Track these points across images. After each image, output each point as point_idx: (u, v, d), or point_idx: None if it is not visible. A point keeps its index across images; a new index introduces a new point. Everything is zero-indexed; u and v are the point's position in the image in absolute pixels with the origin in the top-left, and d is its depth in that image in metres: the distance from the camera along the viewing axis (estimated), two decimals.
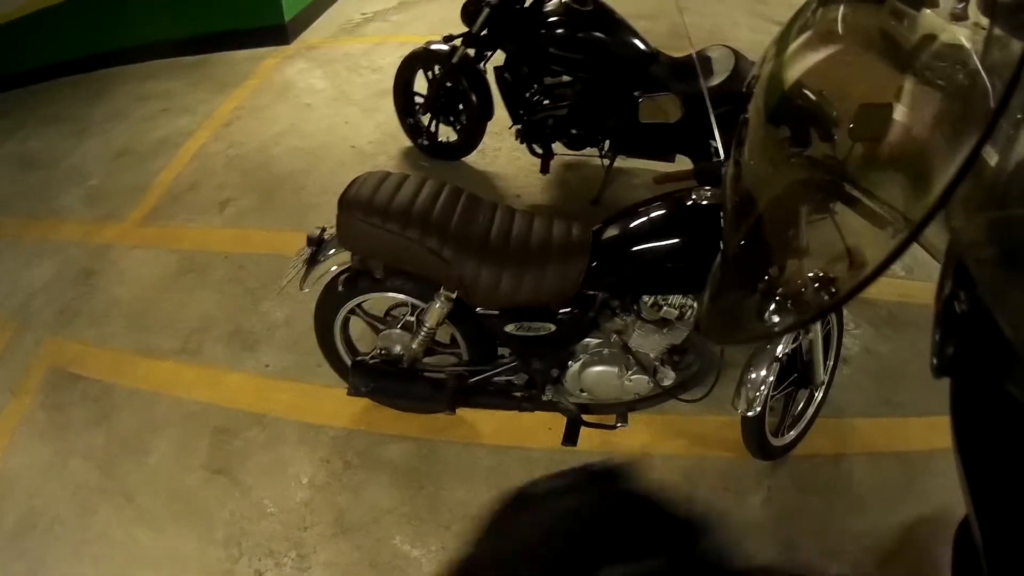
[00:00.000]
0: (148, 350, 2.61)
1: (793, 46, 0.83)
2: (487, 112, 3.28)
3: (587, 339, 2.11)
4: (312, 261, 2.06)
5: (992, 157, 0.55)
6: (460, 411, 2.44)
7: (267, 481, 2.25)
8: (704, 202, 1.91)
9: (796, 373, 2.29)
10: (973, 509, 0.56)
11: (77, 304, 2.81)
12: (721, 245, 1.17)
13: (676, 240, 1.91)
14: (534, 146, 3.17)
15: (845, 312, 2.65)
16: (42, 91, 4.19)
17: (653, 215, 1.96)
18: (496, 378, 2.24)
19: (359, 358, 2.26)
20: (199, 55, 4.42)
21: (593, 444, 2.40)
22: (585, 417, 2.24)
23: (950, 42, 0.62)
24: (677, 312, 2.00)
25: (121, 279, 2.88)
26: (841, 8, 0.80)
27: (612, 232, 1.98)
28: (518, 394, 2.25)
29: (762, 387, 1.96)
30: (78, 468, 2.24)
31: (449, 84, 3.22)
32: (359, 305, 2.22)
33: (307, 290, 2.09)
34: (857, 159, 0.70)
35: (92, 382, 2.51)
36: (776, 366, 1.98)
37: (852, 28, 0.76)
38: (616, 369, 2.09)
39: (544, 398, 2.21)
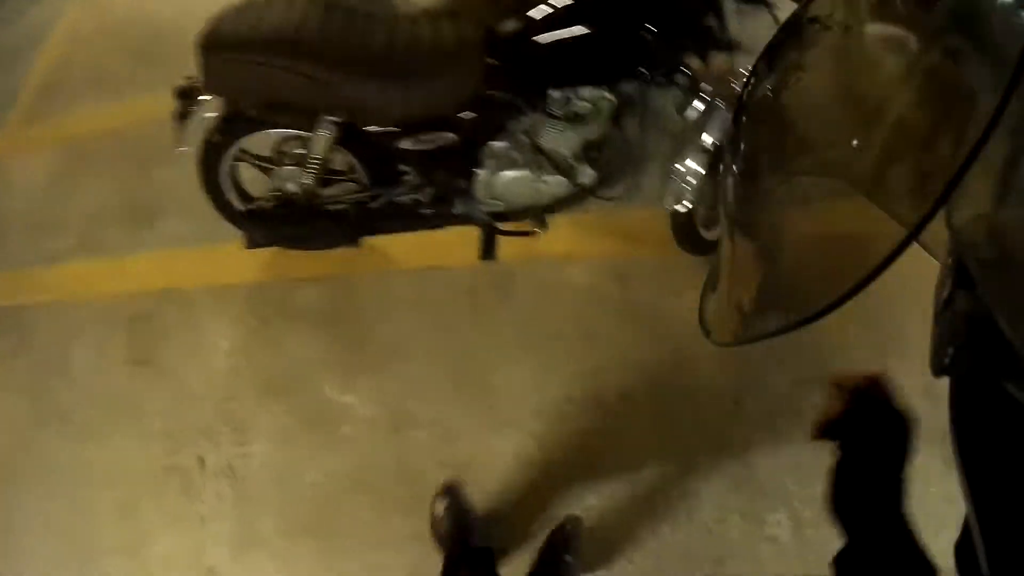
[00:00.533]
0: (49, 257, 2.21)
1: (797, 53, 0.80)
2: None
3: (494, 143, 1.76)
4: (183, 115, 1.68)
5: (992, 156, 0.46)
6: (370, 239, 2.14)
7: (189, 359, 1.92)
8: None
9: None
10: (973, 510, 0.53)
11: None
12: (721, 243, 0.91)
13: (583, 26, 1.61)
14: None
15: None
16: None
17: (557, 1, 1.60)
18: (400, 199, 1.81)
19: (251, 206, 1.85)
20: None
21: (515, 252, 2.00)
22: (501, 226, 1.86)
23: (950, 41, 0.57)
24: (591, 106, 1.72)
25: (9, 192, 2.44)
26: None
27: (511, 24, 1.65)
28: (427, 211, 1.83)
29: (691, 179, 1.77)
30: (9, 405, 1.96)
31: None
32: (243, 150, 1.79)
33: (185, 148, 1.67)
34: (858, 159, 0.66)
35: (1, 310, 2.18)
36: (704, 157, 1.76)
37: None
38: (528, 172, 1.78)
39: (455, 211, 1.81)
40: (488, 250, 1.88)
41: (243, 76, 1.58)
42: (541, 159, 1.78)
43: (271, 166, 1.83)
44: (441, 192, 1.83)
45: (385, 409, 1.78)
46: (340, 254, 2.00)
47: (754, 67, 0.82)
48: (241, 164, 1.85)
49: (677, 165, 1.79)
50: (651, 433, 1.76)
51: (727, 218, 0.83)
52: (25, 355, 2.01)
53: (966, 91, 0.54)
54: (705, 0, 1.66)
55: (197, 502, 1.71)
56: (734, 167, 0.85)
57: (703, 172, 1.78)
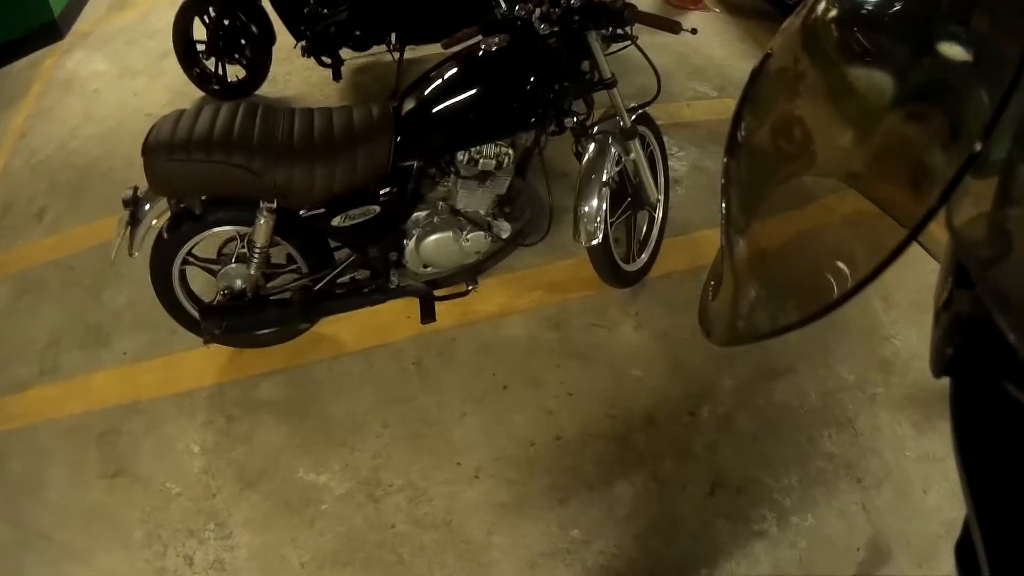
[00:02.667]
0: (12, 386, 2.28)
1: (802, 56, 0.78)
2: (269, 38, 3.02)
3: (415, 214, 1.96)
4: (133, 222, 1.83)
5: (992, 157, 0.49)
6: (318, 327, 2.21)
7: (162, 464, 2.02)
8: (494, 48, 1.81)
9: (629, 197, 2.20)
10: (974, 510, 0.54)
11: None
12: (721, 243, 1.09)
13: (473, 90, 1.83)
14: (322, 58, 2.94)
15: (665, 137, 2.49)
16: None
17: (447, 74, 1.86)
18: (340, 279, 2.01)
19: (202, 304, 2.02)
20: None
21: (453, 318, 2.22)
22: (436, 292, 2.06)
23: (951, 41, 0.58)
24: (493, 161, 1.90)
25: None
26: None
27: (411, 101, 1.87)
28: (366, 289, 2.03)
29: (597, 217, 1.94)
30: None
31: (227, 22, 2.95)
32: (191, 254, 1.96)
33: (136, 253, 1.84)
34: (859, 160, 0.66)
35: None
36: (605, 192, 1.96)
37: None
38: (451, 234, 1.96)
39: (392, 285, 2.01)
40: (428, 314, 2.07)
41: (184, 174, 1.73)
42: (460, 220, 1.98)
43: (217, 267, 2.00)
44: (376, 267, 2.02)
45: (358, 482, 1.93)
46: (291, 347, 2.19)
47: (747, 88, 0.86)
48: (189, 268, 2.02)
49: (581, 205, 1.96)
50: (616, 459, 1.95)
51: (727, 221, 0.84)
52: (0, 483, 2.07)
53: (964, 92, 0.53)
54: (577, 47, 1.88)
55: None
56: (733, 169, 0.87)
57: (604, 208, 1.97)
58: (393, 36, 2.95)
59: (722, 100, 3.35)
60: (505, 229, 2.03)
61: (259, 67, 3.16)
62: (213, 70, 3.22)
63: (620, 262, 2.23)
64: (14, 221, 2.89)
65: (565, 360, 2.15)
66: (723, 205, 0.86)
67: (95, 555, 1.90)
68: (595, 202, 1.96)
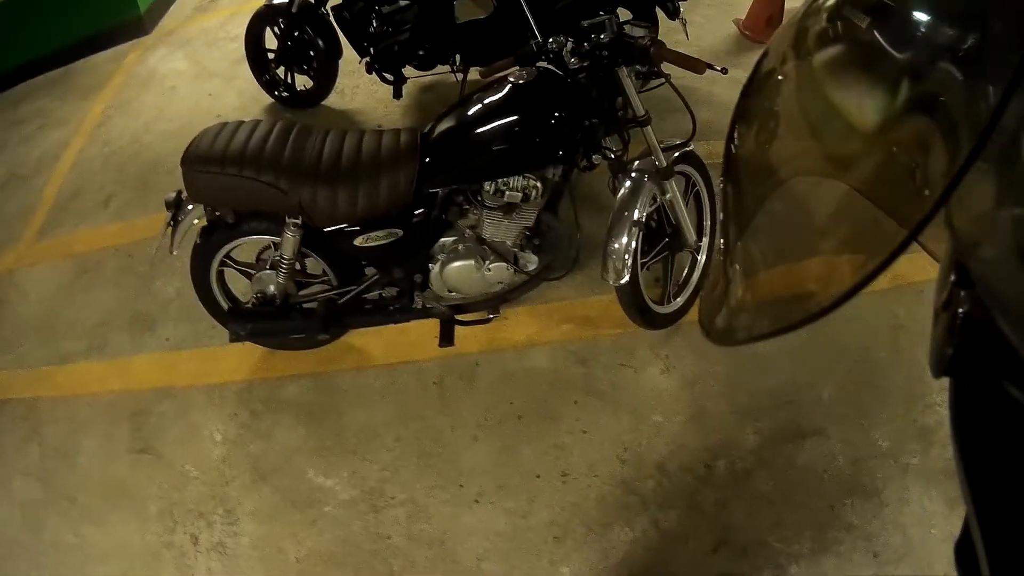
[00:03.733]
0: (61, 357, 2.55)
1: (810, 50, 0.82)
2: (335, 52, 3.24)
3: (442, 239, 2.07)
4: (174, 224, 2.04)
5: (992, 157, 0.52)
6: (350, 338, 2.39)
7: (185, 448, 2.22)
8: (522, 81, 1.92)
9: (667, 238, 2.25)
10: (973, 510, 0.56)
11: None
12: (721, 243, 1.23)
13: (501, 121, 1.93)
14: (385, 74, 3.14)
15: (715, 174, 2.59)
16: None
17: (476, 104, 1.97)
18: (366, 295, 2.16)
19: (234, 304, 2.22)
20: (66, 66, 4.24)
21: (481, 343, 2.35)
22: (458, 316, 2.19)
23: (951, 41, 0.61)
24: (520, 194, 1.99)
25: (25, 299, 2.81)
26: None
27: (440, 128, 1.99)
28: (391, 307, 2.17)
29: (626, 255, 2.00)
30: (21, 486, 2.23)
31: (295, 33, 3.20)
32: (229, 256, 2.16)
33: (175, 252, 2.05)
34: (858, 161, 0.70)
35: (18, 402, 2.46)
36: (636, 231, 2.02)
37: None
38: (473, 262, 2.08)
39: (416, 306, 2.15)
40: (447, 338, 2.20)
41: (218, 186, 1.92)
42: (485, 250, 2.09)
43: (252, 271, 2.19)
44: (401, 287, 2.16)
45: (363, 491, 2.07)
46: (320, 353, 2.36)
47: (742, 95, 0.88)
48: (227, 270, 2.22)
49: (611, 242, 2.02)
50: (620, 503, 2.00)
51: (726, 221, 0.86)
52: (38, 443, 2.34)
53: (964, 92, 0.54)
54: (609, 83, 1.97)
55: None
56: (733, 169, 0.88)
57: (635, 246, 2.03)
58: (457, 57, 3.11)
59: None
60: (532, 262, 2.13)
61: (325, 79, 3.41)
62: (282, 78, 3.47)
63: (652, 303, 2.28)
64: (82, 205, 3.22)
65: (585, 397, 2.24)
66: (722, 205, 0.89)
67: (111, 522, 2.10)
68: (624, 240, 2.01)
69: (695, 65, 1.83)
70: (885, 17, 0.67)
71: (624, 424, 2.18)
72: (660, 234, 2.25)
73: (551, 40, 1.94)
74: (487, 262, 2.08)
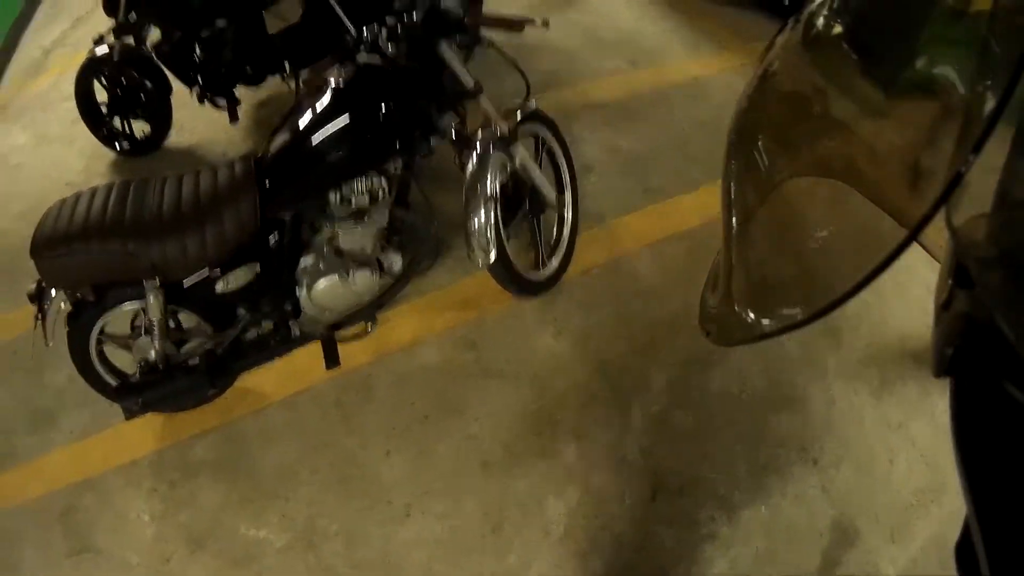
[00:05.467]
0: None
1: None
2: (165, 89, 3.32)
3: (302, 262, 2.15)
4: (42, 315, 2.11)
5: (991, 158, 0.55)
6: (242, 382, 2.52)
7: (119, 536, 2.36)
8: (342, 80, 1.97)
9: (526, 202, 2.34)
10: (973, 510, 0.58)
11: None
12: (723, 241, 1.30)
13: (329, 126, 1.99)
14: (216, 99, 3.24)
15: (576, 121, 2.63)
16: None
17: (302, 114, 2.04)
18: (243, 337, 2.27)
19: (119, 380, 2.32)
20: None
21: (368, 353, 2.48)
22: (338, 333, 2.31)
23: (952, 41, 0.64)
24: (367, 197, 2.07)
25: None
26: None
27: (272, 148, 2.07)
28: (271, 342, 2.28)
29: (488, 231, 2.09)
30: None
31: (122, 80, 3.27)
32: (103, 332, 2.25)
33: (51, 343, 2.13)
34: (859, 161, 0.73)
35: None
36: (492, 205, 2.10)
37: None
38: (337, 277, 2.14)
39: (294, 335, 2.26)
40: (331, 358, 2.32)
41: (70, 267, 1.99)
42: (346, 262, 2.16)
43: (129, 340, 2.29)
44: (275, 320, 2.26)
45: (296, 532, 2.24)
46: (219, 404, 2.49)
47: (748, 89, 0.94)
48: (105, 346, 2.32)
49: (470, 222, 2.11)
50: (546, 477, 2.16)
51: (728, 222, 0.91)
52: None
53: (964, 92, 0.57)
54: (433, 61, 2.01)
55: None
56: (735, 170, 0.93)
57: (493, 221, 2.10)
58: (286, 64, 3.18)
59: (636, 72, 3.43)
60: (396, 262, 2.22)
61: (161, 119, 3.50)
62: (119, 129, 3.57)
63: (528, 271, 2.39)
64: None
65: (484, 380, 2.38)
66: (723, 206, 0.93)
67: None
68: (482, 217, 2.10)
69: (515, 25, 1.88)
70: (881, 22, 0.70)
71: (528, 396, 2.32)
72: (519, 200, 2.33)
73: (364, 30, 2.01)
74: (351, 273, 2.15)
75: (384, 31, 2.00)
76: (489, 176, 2.11)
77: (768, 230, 0.86)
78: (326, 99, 2.02)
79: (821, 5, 0.88)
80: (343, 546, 2.18)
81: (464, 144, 2.16)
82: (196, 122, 3.74)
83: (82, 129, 3.67)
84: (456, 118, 2.16)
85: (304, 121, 2.03)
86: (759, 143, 0.92)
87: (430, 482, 2.23)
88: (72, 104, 3.75)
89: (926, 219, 0.50)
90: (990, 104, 0.48)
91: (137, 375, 2.32)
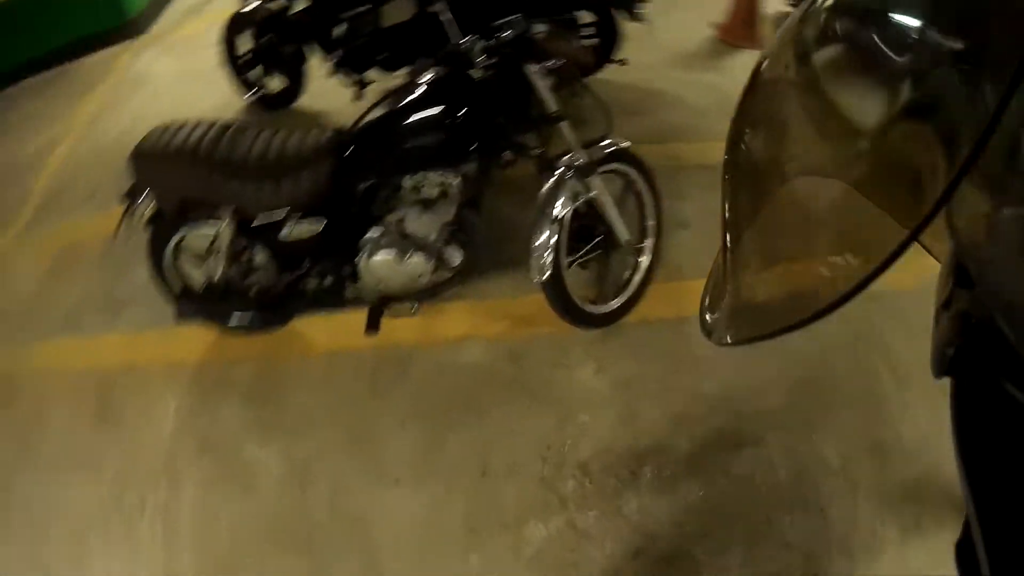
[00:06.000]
0: (40, 335, 3.03)
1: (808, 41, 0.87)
2: (302, 57, 3.76)
3: (370, 232, 2.39)
4: (128, 212, 2.46)
5: (991, 158, 0.55)
6: (294, 326, 2.75)
7: (143, 420, 2.65)
8: (429, 80, 2.24)
9: (600, 237, 2.47)
10: (974, 510, 0.59)
11: None
12: (723, 241, 1.36)
13: (411, 119, 2.23)
14: (348, 75, 3.60)
15: (684, 178, 2.78)
16: None
17: (393, 104, 2.29)
18: (301, 284, 2.53)
19: (182, 288, 2.63)
20: (61, 66, 4.88)
21: (416, 336, 2.70)
22: (388, 307, 2.53)
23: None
24: (437, 190, 2.28)
25: (13, 281, 3.33)
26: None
27: (360, 125, 2.32)
28: (325, 296, 2.53)
29: (546, 252, 2.24)
30: None
31: (264, 39, 3.72)
32: (182, 244, 2.56)
33: (127, 238, 2.50)
34: (859, 161, 0.74)
35: None
36: (556, 228, 2.26)
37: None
38: (393, 255, 2.37)
39: (347, 295, 2.51)
40: (373, 325, 2.54)
41: (161, 178, 2.34)
42: (407, 243, 2.35)
43: (202, 258, 2.61)
44: (334, 277, 2.52)
45: (292, 467, 2.46)
46: (269, 340, 2.78)
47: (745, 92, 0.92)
48: (182, 256, 2.66)
49: (533, 239, 2.25)
50: (537, 501, 2.20)
51: (726, 221, 0.89)
52: (13, 409, 2.82)
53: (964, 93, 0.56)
54: (520, 82, 2.18)
55: (134, 535, 2.38)
56: (733, 169, 0.92)
57: (555, 241, 2.23)
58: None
59: None
60: (455, 258, 2.39)
61: (293, 82, 3.96)
62: (256, 81, 4.04)
63: (588, 302, 2.51)
64: (70, 198, 3.77)
65: (513, 394, 2.53)
66: (723, 205, 0.92)
67: (73, 484, 2.54)
68: (544, 237, 2.25)
69: (584, 56, 2.20)
70: (884, 19, 0.70)
71: (550, 422, 2.39)
72: (591, 232, 2.49)
73: (465, 40, 2.20)
74: (407, 255, 2.37)
75: (480, 44, 2.18)
76: (560, 200, 2.25)
77: (768, 230, 0.86)
78: (416, 93, 2.25)
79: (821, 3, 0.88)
80: (328, 492, 2.38)
81: (545, 167, 2.31)
82: (326, 93, 4.03)
83: (223, 74, 4.07)
84: (539, 140, 2.32)
85: (393, 108, 2.27)
86: (759, 143, 0.94)
87: (428, 467, 2.41)
88: (219, 50, 4.24)
89: (927, 219, 0.49)
90: (991, 104, 0.47)
91: (200, 289, 2.66)
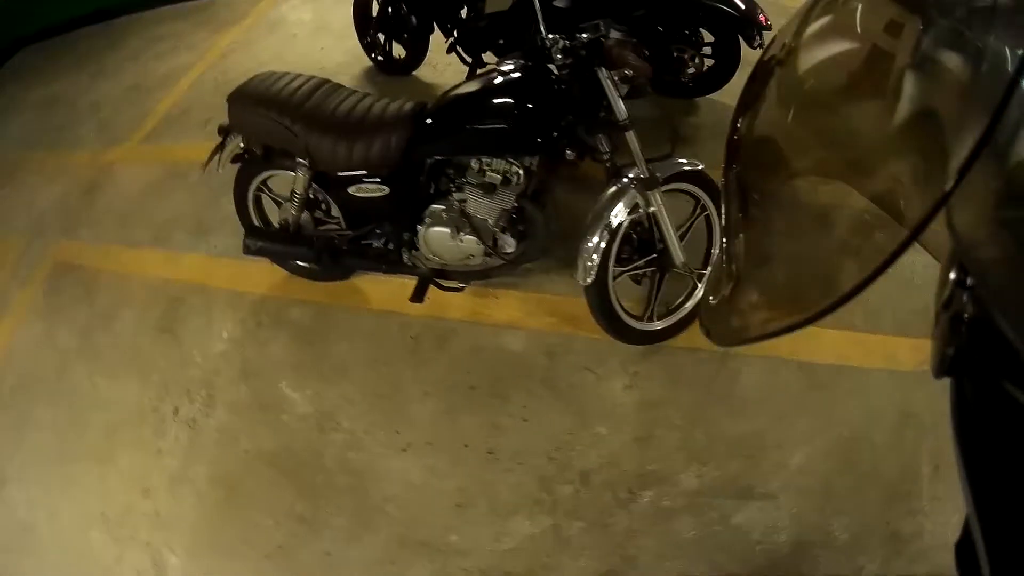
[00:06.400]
0: (130, 242, 3.33)
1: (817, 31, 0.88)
2: (426, 28, 3.87)
3: (434, 205, 2.50)
4: (220, 148, 2.66)
5: (993, 157, 0.57)
6: (355, 280, 2.92)
7: (198, 337, 2.88)
8: (507, 71, 2.32)
9: (656, 254, 2.44)
10: (974, 510, 0.60)
11: (80, 213, 3.61)
12: (723, 242, 1.38)
13: (484, 105, 2.33)
14: (463, 55, 3.68)
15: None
16: (67, 42, 5.14)
17: (470, 88, 2.38)
18: (363, 242, 2.67)
19: (254, 225, 2.83)
20: None
21: (464, 313, 2.81)
22: (437, 280, 2.63)
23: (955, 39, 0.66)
24: (500, 177, 2.35)
25: (116, 190, 3.64)
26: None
27: (438, 104, 2.41)
28: (383, 258, 2.66)
29: (594, 255, 2.25)
30: (64, 336, 2.99)
31: (392, 5, 3.87)
32: (265, 184, 2.76)
33: (207, 171, 2.66)
34: (860, 160, 0.76)
35: (84, 270, 3.26)
36: (607, 235, 2.26)
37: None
38: (449, 231, 2.47)
39: (405, 261, 2.63)
40: (418, 295, 2.63)
41: (250, 121, 2.52)
42: (463, 221, 2.45)
43: (281, 201, 2.77)
44: (394, 242, 2.64)
45: (317, 410, 2.61)
46: (330, 287, 2.96)
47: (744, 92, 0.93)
48: (264, 195, 2.86)
49: (583, 241, 2.27)
50: (532, 497, 2.26)
51: (727, 220, 0.89)
52: (88, 304, 3.12)
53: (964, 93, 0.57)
54: (595, 86, 2.20)
55: (161, 439, 2.61)
56: (734, 169, 0.92)
57: (602, 248, 2.25)
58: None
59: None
60: (510, 245, 2.44)
61: (417, 51, 4.10)
62: (381, 44, 4.20)
63: (628, 315, 2.48)
64: (187, 121, 4.09)
65: (540, 388, 2.59)
66: (723, 204, 0.92)
67: (120, 380, 2.80)
68: (595, 241, 2.26)
69: (644, 70, 2.20)
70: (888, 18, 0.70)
71: (566, 424, 2.43)
72: (648, 248, 2.45)
73: (549, 36, 2.23)
74: (461, 233, 2.46)
75: (561, 43, 2.21)
76: (616, 208, 2.26)
77: (768, 232, 0.88)
78: (490, 81, 2.34)
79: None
80: (342, 443, 2.52)
81: (613, 173, 2.33)
82: (448, 67, 4.13)
83: (355, 32, 4.25)
84: (607, 145, 2.32)
85: (469, 93, 2.36)
86: (759, 144, 0.94)
87: (439, 437, 2.50)
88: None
89: (927, 219, 0.50)
90: (993, 103, 0.47)
91: (272, 228, 2.85)
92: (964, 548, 0.68)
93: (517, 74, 2.34)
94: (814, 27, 0.85)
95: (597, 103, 2.27)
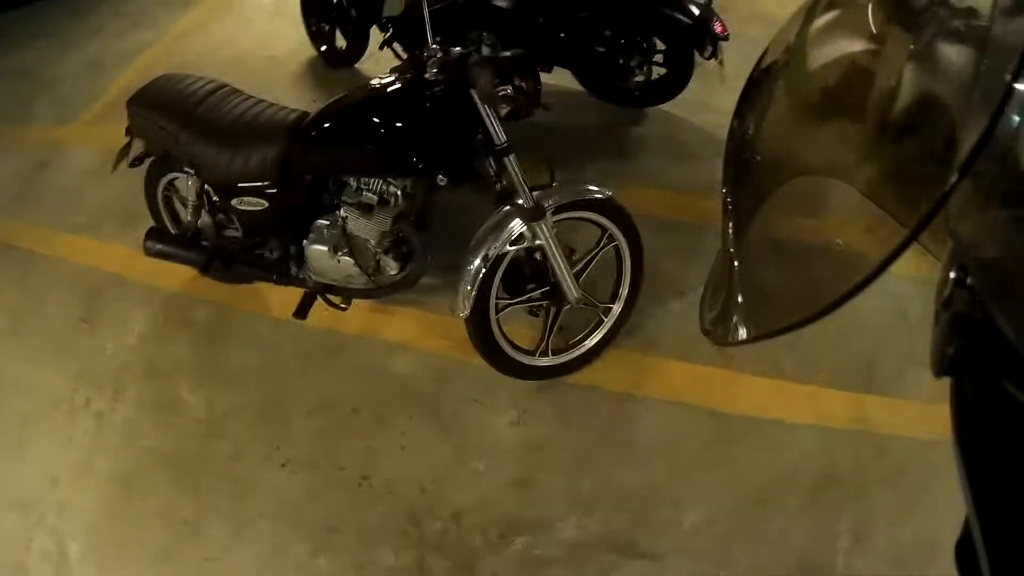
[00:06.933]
0: (67, 226, 3.52)
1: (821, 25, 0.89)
2: (364, 22, 3.91)
3: (320, 220, 2.47)
4: (125, 148, 2.78)
5: (993, 156, 0.57)
6: (260, 286, 3.00)
7: (113, 330, 3.05)
8: (385, 84, 2.27)
9: (548, 287, 2.38)
10: (974, 510, 0.60)
11: (27, 191, 3.79)
12: (723, 242, 1.39)
13: (358, 121, 2.26)
14: (399, 53, 3.70)
15: (700, 238, 2.71)
16: (37, 12, 5.15)
17: (347, 101, 2.36)
18: (256, 251, 2.74)
19: (152, 227, 2.94)
20: None
21: (358, 329, 2.92)
22: (320, 295, 2.71)
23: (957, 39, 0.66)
24: (376, 197, 2.31)
25: (63, 170, 3.81)
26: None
27: (312, 117, 2.36)
28: (272, 268, 2.73)
29: (468, 287, 2.18)
30: None
31: None
32: (172, 184, 2.88)
33: (112, 172, 2.84)
34: (860, 159, 0.76)
35: (22, 251, 3.45)
36: (485, 264, 2.18)
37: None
38: (327, 249, 2.44)
39: (293, 274, 2.68)
40: (302, 310, 2.71)
41: (142, 125, 2.61)
42: (343, 241, 2.41)
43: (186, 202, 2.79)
44: (279, 253, 2.62)
45: (210, 416, 2.78)
46: (234, 290, 3.07)
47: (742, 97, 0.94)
48: (173, 196, 2.98)
49: (464, 272, 2.18)
50: (398, 528, 2.28)
51: (727, 220, 0.89)
52: (20, 287, 3.32)
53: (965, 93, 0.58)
54: (470, 104, 2.09)
55: (71, 429, 2.79)
56: (734, 168, 0.92)
57: (478, 279, 2.17)
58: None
59: None
60: (392, 267, 2.39)
61: (358, 44, 4.16)
62: (324, 34, 4.26)
63: (515, 349, 2.42)
64: None
65: (423, 416, 2.63)
66: (724, 204, 0.92)
67: (40, 367, 3.00)
68: (471, 271, 2.18)
69: (495, 99, 2.13)
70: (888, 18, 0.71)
71: (444, 457, 2.41)
72: (542, 279, 2.37)
73: (433, 47, 2.13)
74: (340, 253, 2.43)
75: (440, 56, 2.13)
76: (496, 238, 2.18)
77: (767, 231, 0.88)
78: (372, 96, 2.29)
79: None
80: (228, 451, 2.68)
81: (501, 199, 2.21)
82: (389, 61, 4.15)
83: None
84: (491, 169, 2.21)
85: (345, 105, 2.32)
86: (758, 143, 0.95)
87: (317, 456, 2.56)
88: None
89: (927, 219, 0.50)
90: (992, 104, 0.48)
91: (174, 229, 2.99)
92: (964, 548, 0.68)
93: (394, 88, 2.27)
94: (813, 33, 0.86)
95: (475, 124, 2.15)
